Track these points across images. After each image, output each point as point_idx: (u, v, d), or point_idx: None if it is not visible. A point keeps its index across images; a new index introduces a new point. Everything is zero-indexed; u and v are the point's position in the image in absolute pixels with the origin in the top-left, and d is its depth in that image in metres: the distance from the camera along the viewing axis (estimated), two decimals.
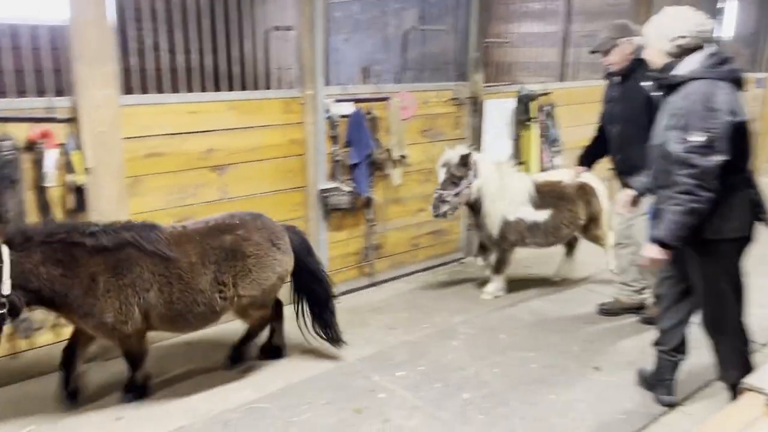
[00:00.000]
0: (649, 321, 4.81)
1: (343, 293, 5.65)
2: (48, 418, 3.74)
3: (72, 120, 4.06)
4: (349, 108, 5.39)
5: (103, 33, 4.07)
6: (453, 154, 5.20)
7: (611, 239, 5.73)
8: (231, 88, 4.87)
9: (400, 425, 3.71)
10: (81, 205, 4.16)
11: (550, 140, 6.80)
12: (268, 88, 5.14)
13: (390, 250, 6.04)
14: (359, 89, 5.60)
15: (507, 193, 5.31)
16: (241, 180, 4.98)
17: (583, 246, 5.96)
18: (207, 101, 4.71)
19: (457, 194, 5.19)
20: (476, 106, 6.32)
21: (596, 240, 5.84)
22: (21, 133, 3.87)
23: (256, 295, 3.99)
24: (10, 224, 3.69)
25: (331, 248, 5.57)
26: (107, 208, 4.25)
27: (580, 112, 6.94)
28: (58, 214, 4.10)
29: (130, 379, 3.94)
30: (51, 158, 3.97)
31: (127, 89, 4.31)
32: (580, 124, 6.37)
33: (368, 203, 5.69)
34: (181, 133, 4.58)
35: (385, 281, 6.02)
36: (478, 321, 5.15)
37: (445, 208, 5.17)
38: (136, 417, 3.78)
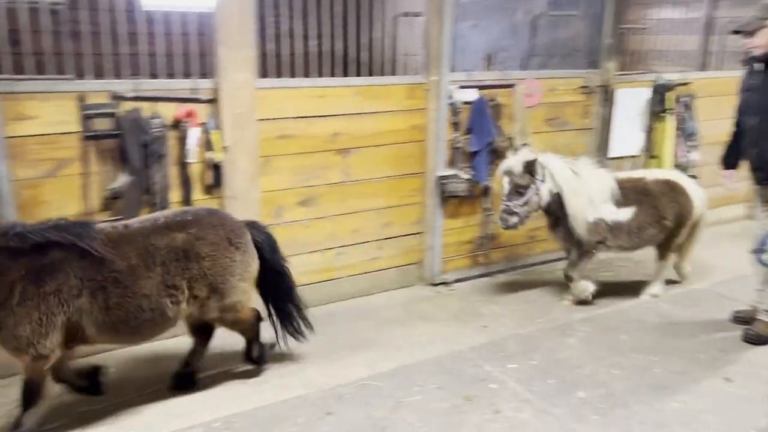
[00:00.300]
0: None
1: (456, 281, 5.66)
2: None
3: (213, 101, 4.34)
4: (472, 94, 5.35)
5: (245, 19, 4.32)
6: (515, 162, 4.82)
7: (690, 247, 5.37)
8: (358, 74, 4.99)
9: (510, 417, 3.66)
10: (217, 181, 4.46)
11: (686, 133, 6.36)
12: (393, 73, 5.19)
13: (506, 240, 5.95)
14: (484, 76, 5.53)
15: (585, 192, 4.91)
16: (363, 164, 5.10)
17: (717, 247, 5.53)
18: (335, 86, 4.86)
19: (525, 203, 4.82)
20: (607, 95, 6.04)
21: (681, 247, 5.31)
22: (168, 112, 4.20)
23: (218, 299, 3.65)
24: None
25: (446, 235, 5.58)
26: (241, 185, 4.53)
27: (723, 104, 6.37)
28: (197, 189, 4.42)
29: (17, 417, 3.39)
30: (194, 136, 4.29)
31: (263, 73, 4.54)
32: (722, 118, 5.89)
33: (486, 192, 5.63)
34: (310, 117, 4.77)
35: (500, 272, 5.94)
36: (598, 320, 4.95)
37: (513, 220, 4.83)
38: (257, 382, 4.01)
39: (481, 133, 5.39)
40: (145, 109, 4.11)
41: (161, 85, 4.20)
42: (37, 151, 3.88)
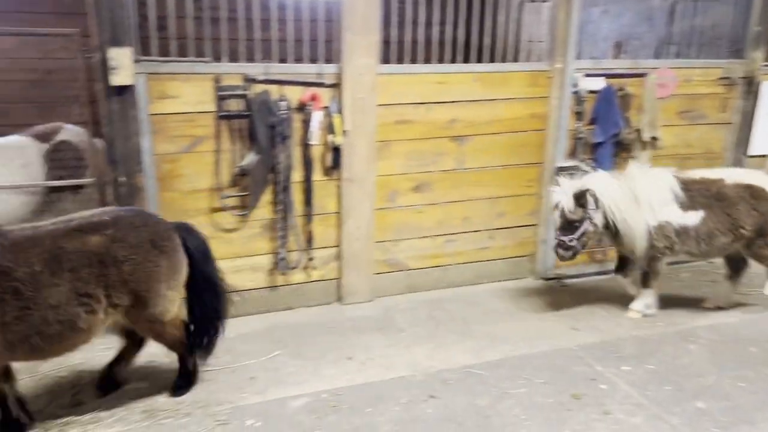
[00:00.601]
0: None
1: (570, 277, 5.48)
2: (293, 347, 4.27)
3: (336, 85, 4.48)
4: (599, 83, 5.12)
5: (370, 6, 4.41)
6: (563, 196, 4.41)
7: None
8: (479, 61, 4.93)
9: (620, 420, 3.51)
10: (336, 163, 4.61)
11: None
12: (516, 61, 5.08)
13: None
14: (613, 64, 5.28)
15: (643, 198, 4.48)
16: (478, 151, 5.05)
17: None
18: (454, 72, 4.84)
19: (581, 236, 4.44)
20: (751, 88, 5.55)
21: (764, 259, 4.72)
22: (294, 95, 4.39)
23: (142, 308, 3.31)
24: None
25: None
26: (358, 168, 4.65)
27: None
28: (318, 170, 4.59)
29: None
30: (317, 119, 4.45)
31: (385, 59, 4.61)
32: None
33: None
34: (428, 103, 4.79)
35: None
36: (724, 328, 4.60)
37: (570, 254, 4.47)
38: (366, 360, 4.12)
39: (606, 124, 5.16)
40: (274, 91, 4.33)
41: (289, 69, 4.39)
42: (177, 128, 4.21)
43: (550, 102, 5.13)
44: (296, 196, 4.57)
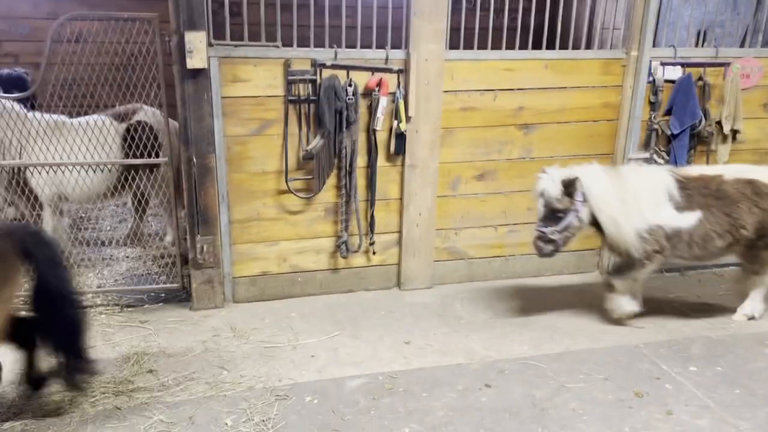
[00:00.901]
0: None
1: None
2: (352, 329, 4.34)
3: (402, 71, 4.49)
4: (676, 72, 4.91)
5: None
6: (550, 182, 4.05)
7: None
8: (550, 47, 4.81)
9: (684, 421, 3.38)
10: (400, 149, 4.62)
11: None
12: (589, 48, 4.93)
13: None
14: (692, 52, 5.03)
15: (634, 199, 4.10)
16: (546, 140, 4.94)
17: None
18: (523, 59, 4.75)
19: (564, 229, 4.08)
20: None
21: (758, 265, 4.34)
22: (361, 80, 4.43)
23: None
24: None
25: None
26: (421, 155, 4.66)
27: None
28: (381, 156, 4.62)
29: None
30: (382, 105, 4.48)
31: (453, 45, 4.57)
32: None
33: None
34: (495, 90, 4.73)
35: (689, 269, 5.43)
36: None
37: (549, 248, 4.11)
38: (423, 345, 4.14)
39: (683, 115, 4.93)
40: (341, 77, 4.38)
41: (356, 54, 4.43)
42: (247, 110, 4.33)
43: (623, 91, 4.96)
44: (360, 181, 4.62)
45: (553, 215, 4.08)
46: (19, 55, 7.49)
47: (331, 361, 3.94)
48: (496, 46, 4.72)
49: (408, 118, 4.55)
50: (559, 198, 4.03)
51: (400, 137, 4.59)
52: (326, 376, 3.76)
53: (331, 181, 4.59)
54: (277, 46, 4.29)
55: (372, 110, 4.48)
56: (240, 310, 4.57)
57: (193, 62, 4.03)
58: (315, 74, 4.33)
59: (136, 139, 4.74)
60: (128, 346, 4.03)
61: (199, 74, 4.12)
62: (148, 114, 4.92)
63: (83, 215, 6.18)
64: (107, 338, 4.12)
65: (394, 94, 4.49)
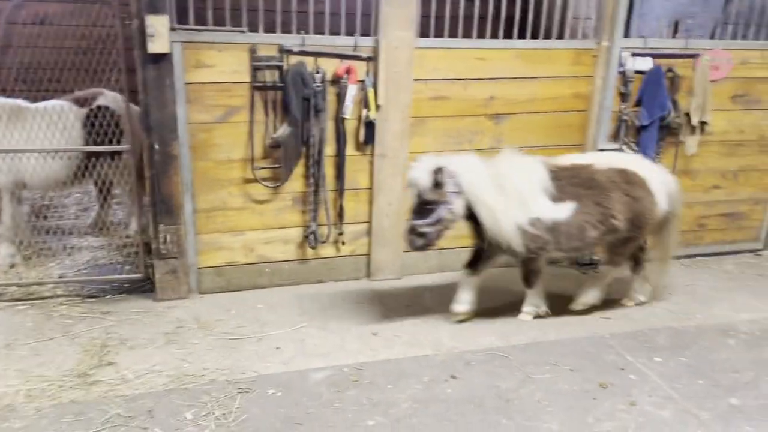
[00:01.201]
0: None
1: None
2: (320, 320, 4.29)
3: (372, 59, 4.41)
4: (646, 63, 4.91)
5: None
6: (420, 172, 3.82)
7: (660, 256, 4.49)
8: (522, 37, 4.77)
9: (648, 412, 3.40)
10: (369, 138, 4.56)
11: None
12: (560, 38, 4.90)
13: None
14: (662, 44, 5.03)
15: (511, 190, 3.93)
16: (517, 131, 4.92)
17: None
18: (494, 48, 4.71)
19: (435, 222, 3.87)
20: None
21: (638, 256, 4.45)
22: (330, 67, 4.35)
23: None
24: None
25: None
26: (391, 144, 4.60)
27: None
28: (351, 145, 4.55)
29: None
30: (351, 93, 4.40)
31: (423, 33, 4.51)
32: None
33: None
34: (466, 79, 4.68)
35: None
36: None
37: (421, 241, 3.90)
38: (391, 336, 4.10)
39: (652, 107, 4.94)
40: (309, 63, 4.29)
41: (325, 41, 4.34)
42: (212, 97, 4.23)
43: (594, 81, 4.95)
44: (328, 170, 4.55)
45: (423, 208, 3.86)
46: None
47: (297, 352, 3.88)
48: (467, 34, 4.67)
49: (378, 107, 4.48)
50: (429, 189, 3.81)
51: (370, 126, 4.53)
52: (291, 368, 3.71)
53: (299, 170, 4.51)
54: (243, 31, 4.19)
55: (341, 98, 4.40)
56: (205, 301, 4.48)
57: (155, 47, 3.91)
58: (282, 60, 4.23)
59: (96, 125, 4.60)
60: (88, 338, 3.92)
61: (162, 59, 4.00)
62: (108, 99, 4.78)
63: (47, 203, 6.01)
64: (67, 330, 4.01)
65: (363, 81, 4.42)
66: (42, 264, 4.84)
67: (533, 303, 4.39)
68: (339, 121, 4.47)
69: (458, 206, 3.90)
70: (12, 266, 4.72)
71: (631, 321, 4.42)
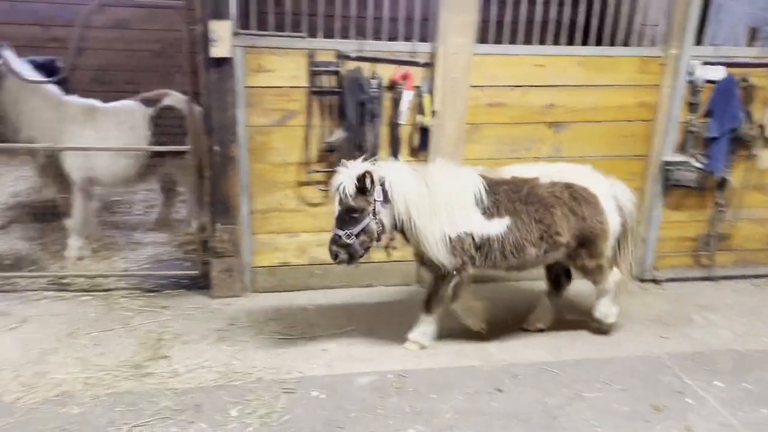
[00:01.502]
0: None
1: (669, 280, 5.11)
2: (367, 325, 4.29)
3: (429, 65, 4.40)
4: (718, 73, 4.68)
5: None
6: (345, 178, 3.55)
7: (614, 276, 4.11)
8: (585, 43, 4.64)
9: None
10: (424, 144, 4.54)
11: None
12: (626, 44, 4.74)
13: (739, 243, 5.18)
14: (736, 52, 4.79)
15: (442, 202, 3.68)
16: (577, 139, 4.79)
17: None
18: (556, 54, 4.60)
19: (361, 232, 3.60)
20: None
21: (589, 274, 4.06)
22: (386, 73, 4.36)
23: None
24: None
25: (664, 228, 5.04)
26: (446, 150, 4.56)
27: None
28: (404, 150, 4.55)
29: None
30: (407, 98, 4.40)
31: (482, 39, 4.46)
32: None
33: (721, 185, 4.93)
34: (525, 86, 4.60)
35: (726, 278, 5.21)
36: None
37: (344, 253, 3.63)
38: (437, 345, 4.05)
39: (723, 118, 4.70)
40: (366, 69, 4.32)
41: (382, 46, 4.36)
42: (271, 101, 4.32)
43: (661, 91, 4.75)
44: None
45: (347, 216, 3.59)
46: (65, 40, 7.70)
47: (342, 355, 3.91)
48: (528, 40, 4.58)
49: (433, 113, 4.46)
50: (352, 195, 3.55)
51: (425, 132, 4.51)
52: (336, 371, 3.74)
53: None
54: (303, 37, 4.26)
55: (396, 104, 4.41)
56: (257, 300, 4.58)
57: (217, 51, 4.03)
58: (339, 66, 4.28)
59: (162, 125, 4.79)
60: (145, 331, 4.08)
61: (224, 63, 4.12)
62: (174, 100, 4.97)
63: (116, 199, 6.30)
64: (126, 322, 4.19)
65: (419, 87, 4.41)
66: (107, 257, 5.08)
67: (424, 331, 4.00)
68: (394, 126, 4.47)
69: (386, 216, 3.66)
70: (80, 258, 4.97)
71: (691, 341, 4.22)
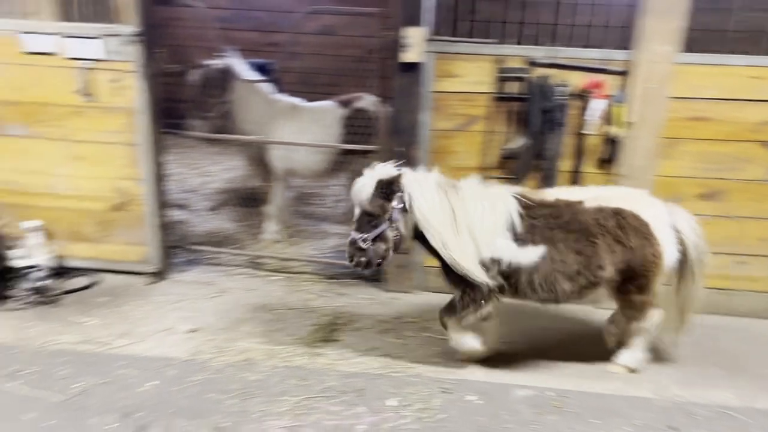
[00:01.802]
0: None
1: None
2: (530, 336, 4.18)
3: (623, 73, 4.16)
4: None
5: None
6: (365, 180, 3.38)
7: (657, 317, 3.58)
8: None
9: None
10: (612, 156, 4.31)
11: None
12: None
13: None
14: None
15: (464, 222, 3.38)
16: None
17: None
18: None
19: (377, 239, 3.37)
20: None
21: (629, 308, 3.59)
22: (576, 81, 4.21)
23: None
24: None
25: None
26: (637, 164, 4.29)
27: None
28: (589, 162, 4.36)
29: None
30: (596, 108, 4.21)
31: (686, 47, 4.11)
32: None
33: None
34: (734, 99, 4.15)
35: None
36: None
37: (361, 257, 3.42)
38: (606, 369, 3.84)
39: None
40: (555, 76, 4.21)
41: (573, 53, 4.21)
42: (454, 106, 4.40)
43: None
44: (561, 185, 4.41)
45: (366, 220, 3.43)
46: (282, 44, 8.58)
47: (501, 365, 3.86)
48: (741, 49, 4.13)
49: (628, 124, 4.21)
50: (371, 199, 3.38)
51: (614, 143, 4.28)
52: (494, 379, 3.71)
53: (530, 183, 4.46)
54: (493, 43, 4.28)
55: (583, 113, 4.24)
56: (426, 299, 4.70)
57: (408, 56, 4.21)
58: (527, 72, 4.23)
59: (353, 125, 5.13)
60: (321, 314, 4.41)
61: (414, 68, 4.29)
62: (368, 102, 5.28)
63: (310, 191, 6.86)
64: (306, 303, 4.56)
65: (611, 97, 4.19)
66: (297, 243, 5.56)
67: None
68: (579, 136, 4.31)
69: (404, 225, 3.47)
70: (274, 242, 5.51)
71: None
